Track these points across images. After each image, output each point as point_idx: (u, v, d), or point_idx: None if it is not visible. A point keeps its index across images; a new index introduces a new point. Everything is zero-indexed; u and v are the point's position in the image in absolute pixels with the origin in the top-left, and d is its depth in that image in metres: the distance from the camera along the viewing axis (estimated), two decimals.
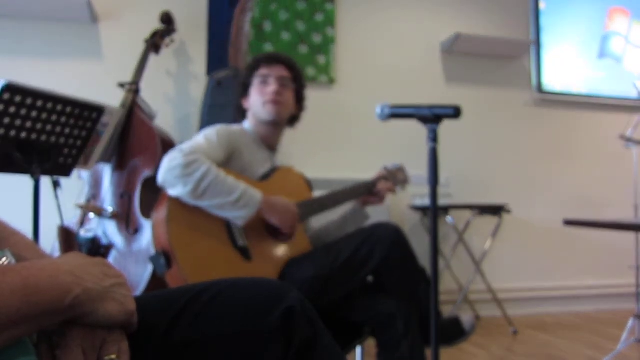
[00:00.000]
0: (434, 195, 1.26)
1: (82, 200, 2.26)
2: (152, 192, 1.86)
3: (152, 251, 1.46)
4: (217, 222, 1.47)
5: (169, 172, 1.43)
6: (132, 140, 2.28)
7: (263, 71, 1.76)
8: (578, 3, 3.85)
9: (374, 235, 1.53)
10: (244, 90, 1.80)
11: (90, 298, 0.63)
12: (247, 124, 1.80)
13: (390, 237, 1.52)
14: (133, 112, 2.35)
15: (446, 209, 3.16)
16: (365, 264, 1.52)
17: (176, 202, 1.44)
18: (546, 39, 3.73)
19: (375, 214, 2.02)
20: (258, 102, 1.74)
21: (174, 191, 1.44)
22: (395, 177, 1.87)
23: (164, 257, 1.40)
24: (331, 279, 1.50)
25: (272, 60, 1.78)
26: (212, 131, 1.63)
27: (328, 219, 1.79)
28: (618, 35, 3.94)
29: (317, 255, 1.57)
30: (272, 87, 1.73)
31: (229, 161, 1.63)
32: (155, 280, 1.85)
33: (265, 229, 1.55)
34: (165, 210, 1.43)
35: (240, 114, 1.84)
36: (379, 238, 1.52)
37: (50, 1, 2.74)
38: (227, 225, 1.49)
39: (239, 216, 1.46)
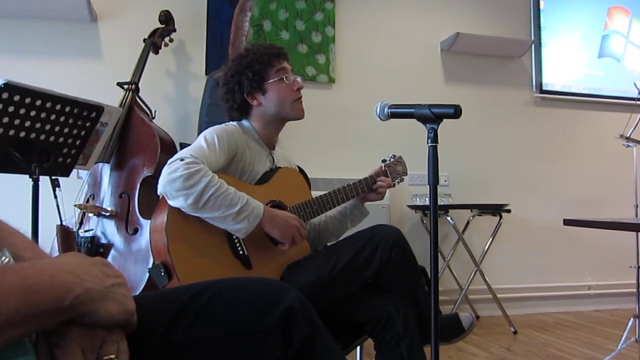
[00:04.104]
0: (434, 195, 1.26)
1: (81, 200, 2.26)
2: (152, 192, 1.85)
3: (150, 257, 1.45)
4: (217, 230, 1.46)
5: (170, 184, 1.39)
6: (132, 139, 2.28)
7: (279, 67, 1.70)
8: (578, 2, 3.85)
9: (375, 238, 1.52)
10: (257, 87, 1.68)
11: (91, 298, 0.63)
12: (247, 122, 1.73)
13: (391, 240, 1.51)
14: (132, 112, 2.35)
15: (446, 209, 3.16)
16: (366, 268, 1.51)
17: (176, 210, 1.42)
18: (546, 38, 3.73)
19: (375, 213, 2.01)
20: (285, 100, 1.69)
21: (175, 203, 1.41)
22: (395, 171, 1.86)
23: (163, 269, 1.39)
24: (332, 282, 1.49)
25: (281, 55, 1.73)
26: (211, 134, 1.57)
27: (326, 213, 1.78)
28: (618, 34, 3.94)
29: (318, 259, 1.56)
30: (297, 84, 1.71)
31: (230, 163, 1.60)
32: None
33: (265, 234, 1.54)
34: (165, 217, 1.41)
35: (241, 112, 1.74)
36: (380, 242, 1.51)
37: (49, 0, 2.73)
38: (228, 232, 1.48)
39: (239, 229, 1.44)
